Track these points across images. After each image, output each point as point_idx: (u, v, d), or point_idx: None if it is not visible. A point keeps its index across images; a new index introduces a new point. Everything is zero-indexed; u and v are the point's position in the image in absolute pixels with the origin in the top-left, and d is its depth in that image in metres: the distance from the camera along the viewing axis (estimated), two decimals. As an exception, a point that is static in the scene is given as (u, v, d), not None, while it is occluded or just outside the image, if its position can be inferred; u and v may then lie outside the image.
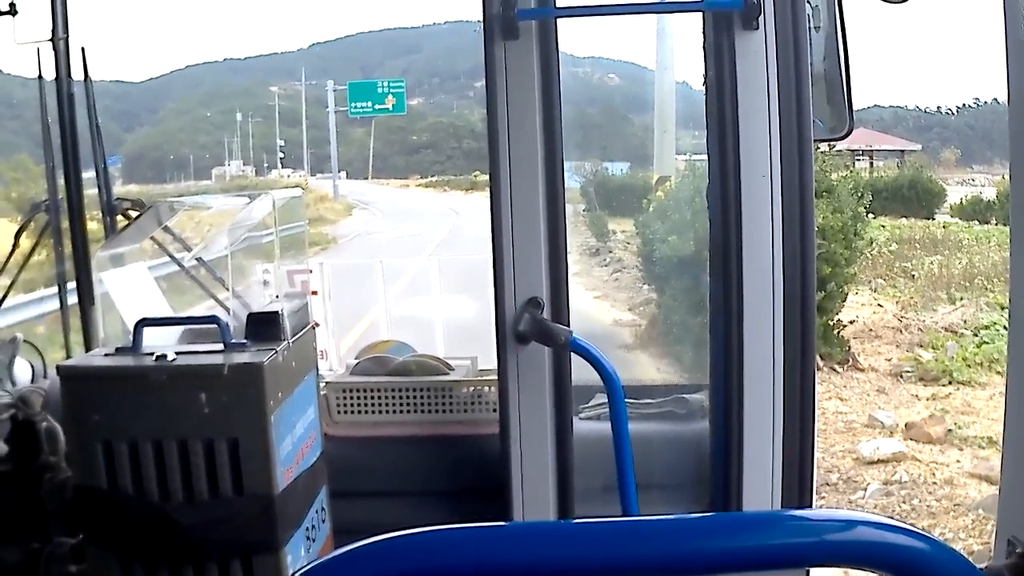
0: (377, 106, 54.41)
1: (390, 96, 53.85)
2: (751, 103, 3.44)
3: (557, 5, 3.60)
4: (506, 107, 3.51)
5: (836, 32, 3.66)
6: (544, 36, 3.56)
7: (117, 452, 3.05)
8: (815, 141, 3.65)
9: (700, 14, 3.61)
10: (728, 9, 3.45)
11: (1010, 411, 1.44)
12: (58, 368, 3.21)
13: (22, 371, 4.04)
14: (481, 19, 3.51)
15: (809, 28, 3.62)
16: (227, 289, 3.62)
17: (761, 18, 3.41)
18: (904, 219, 34.17)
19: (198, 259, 4.02)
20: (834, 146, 16.95)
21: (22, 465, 3.40)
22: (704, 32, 3.57)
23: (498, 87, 3.51)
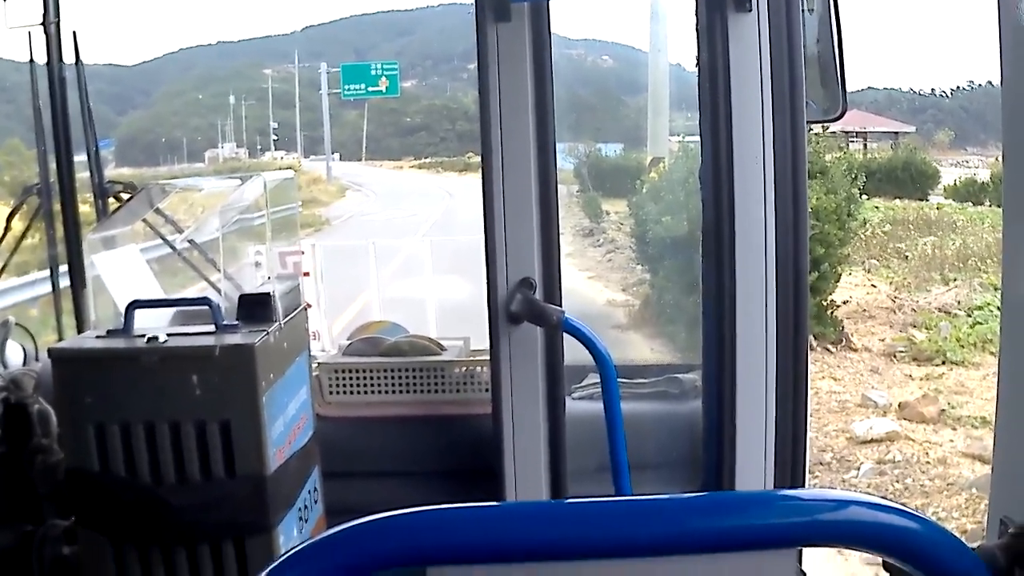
0: (371, 88, 54.27)
1: (383, 78, 53.72)
2: (744, 85, 3.43)
3: (549, -14, 3.59)
4: (498, 89, 3.51)
5: (830, 14, 3.66)
6: (536, 18, 3.55)
7: (109, 434, 3.05)
8: (808, 123, 3.65)
9: (693, -5, 3.61)
10: (721, -10, 3.44)
11: (1002, 391, 1.44)
12: (49, 351, 3.21)
13: (14, 354, 4.04)
14: (473, 1, 3.51)
15: (803, 10, 3.61)
16: (219, 271, 3.62)
17: (754, 0, 3.41)
18: (898, 200, 34.22)
19: (190, 241, 4.02)
20: (828, 128, 16.96)
21: (14, 448, 3.40)
22: (697, 14, 3.56)
23: (490, 69, 3.50)
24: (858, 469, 10.38)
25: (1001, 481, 1.44)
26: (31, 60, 4.53)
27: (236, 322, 3.21)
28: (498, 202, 3.55)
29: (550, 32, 3.60)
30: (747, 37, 3.45)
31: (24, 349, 4.15)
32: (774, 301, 3.47)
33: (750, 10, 3.43)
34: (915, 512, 1.44)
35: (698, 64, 3.59)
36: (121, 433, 3.05)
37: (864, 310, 17.46)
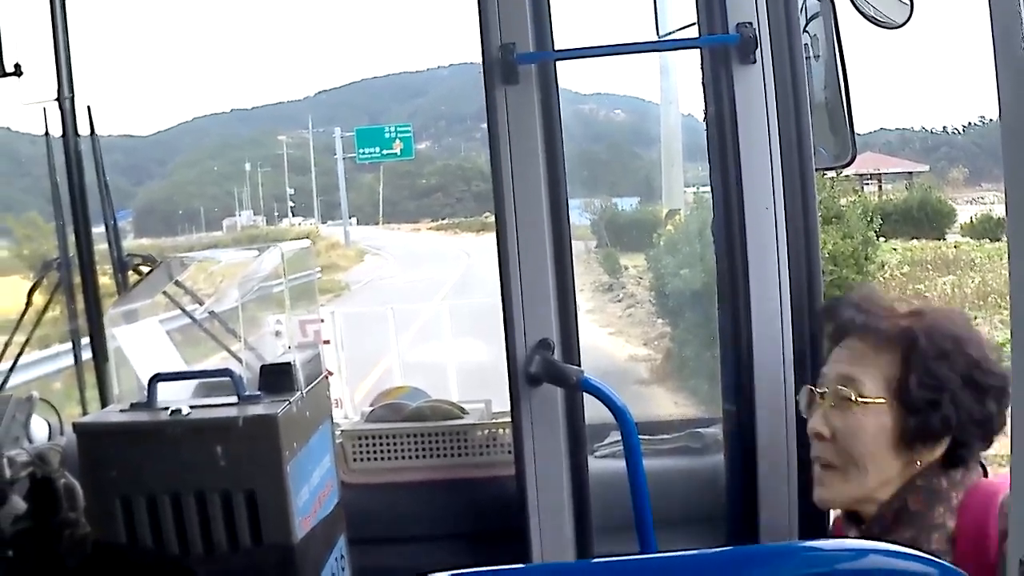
0: (385, 151, 54.57)
1: (397, 141, 54.01)
2: (751, 136, 3.46)
3: (555, 48, 3.63)
4: (509, 151, 3.53)
5: (835, 60, 3.69)
6: (544, 79, 3.58)
7: (135, 507, 3.06)
8: (819, 170, 3.68)
9: (698, 50, 3.64)
10: (724, 44, 3.48)
11: (1015, 427, 1.44)
12: (74, 425, 3.23)
13: (39, 429, 4.07)
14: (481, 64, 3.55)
15: (809, 57, 3.65)
16: (240, 341, 3.64)
17: (758, 52, 3.44)
18: (915, 241, 34.20)
19: (210, 312, 4.04)
20: (841, 172, 17.01)
21: (42, 522, 3.41)
22: (702, 68, 3.60)
23: (500, 131, 3.53)
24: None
25: (1019, 520, 1.44)
26: (46, 134, 4.59)
27: (258, 392, 3.23)
28: (513, 265, 3.57)
29: (558, 92, 3.64)
30: (752, 88, 3.48)
31: (49, 424, 4.18)
32: (791, 350, 3.48)
33: (754, 62, 3.46)
34: (933, 558, 1.45)
35: (705, 117, 3.63)
36: (147, 505, 3.06)
37: (886, 353, 17.35)
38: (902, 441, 2.59)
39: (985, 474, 2.71)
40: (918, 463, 2.60)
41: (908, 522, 2.58)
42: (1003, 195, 1.41)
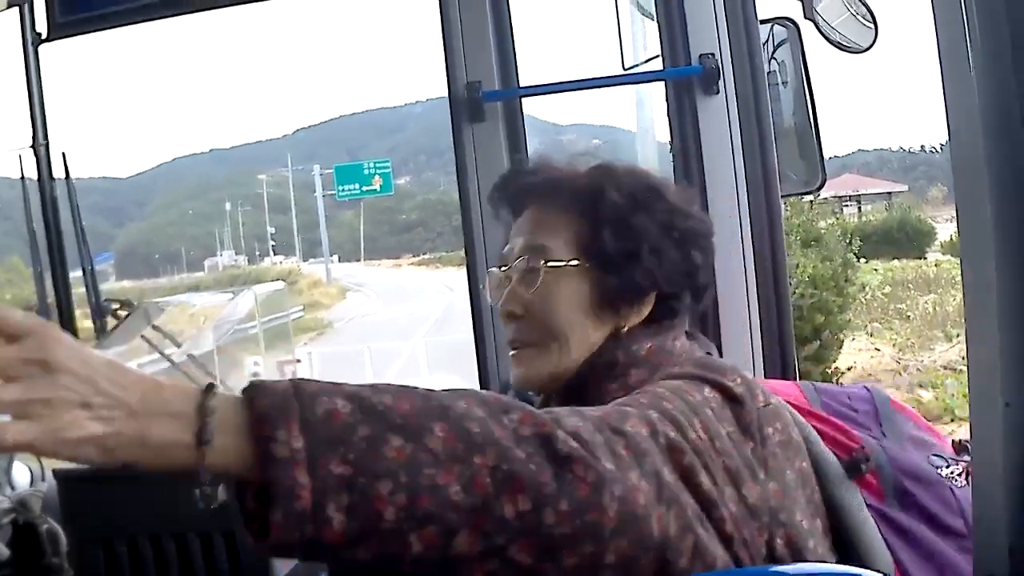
0: (365, 187, 54.52)
1: (377, 177, 54.00)
2: (717, 166, 3.47)
3: (520, 84, 3.66)
4: (477, 187, 3.57)
5: (803, 87, 3.72)
6: (510, 115, 3.62)
7: (118, 551, 3.08)
8: (789, 195, 3.70)
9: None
10: (688, 76, 3.51)
11: (976, 441, 1.47)
12: (55, 472, 3.25)
13: (20, 475, 4.07)
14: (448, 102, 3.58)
15: (777, 84, 3.68)
16: (217, 383, 3.66)
17: (721, 82, 3.47)
18: (896, 261, 34.30)
19: (189, 355, 4.06)
20: (819, 194, 17.05)
21: (25, 568, 3.42)
22: (667, 99, 3.63)
23: (468, 168, 3.57)
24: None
25: (982, 537, 1.47)
26: (23, 178, 4.59)
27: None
28: (485, 301, 3.59)
29: (524, 128, 3.67)
30: (717, 119, 3.50)
31: (30, 470, 4.18)
32: (762, 377, 3.49)
33: (717, 93, 3.49)
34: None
35: (671, 149, 3.65)
36: (129, 549, 3.08)
37: (869, 374, 17.43)
38: (605, 303, 2.27)
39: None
40: (624, 327, 2.26)
41: (585, 393, 2.20)
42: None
